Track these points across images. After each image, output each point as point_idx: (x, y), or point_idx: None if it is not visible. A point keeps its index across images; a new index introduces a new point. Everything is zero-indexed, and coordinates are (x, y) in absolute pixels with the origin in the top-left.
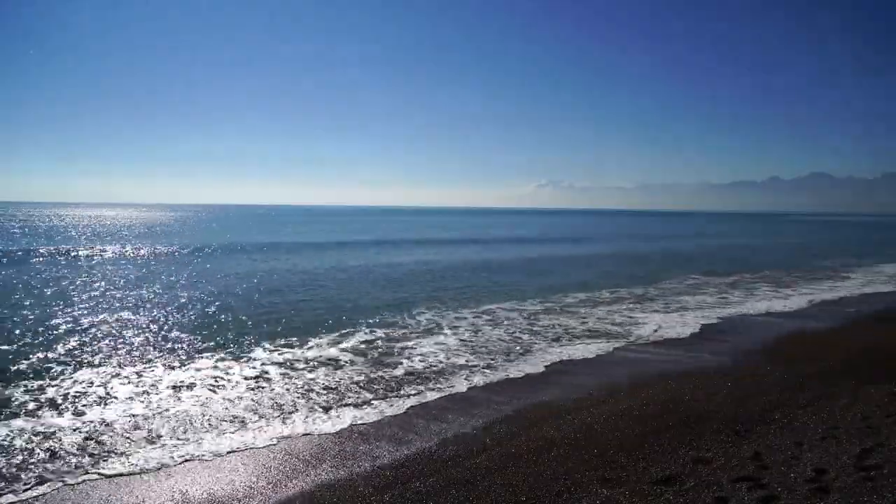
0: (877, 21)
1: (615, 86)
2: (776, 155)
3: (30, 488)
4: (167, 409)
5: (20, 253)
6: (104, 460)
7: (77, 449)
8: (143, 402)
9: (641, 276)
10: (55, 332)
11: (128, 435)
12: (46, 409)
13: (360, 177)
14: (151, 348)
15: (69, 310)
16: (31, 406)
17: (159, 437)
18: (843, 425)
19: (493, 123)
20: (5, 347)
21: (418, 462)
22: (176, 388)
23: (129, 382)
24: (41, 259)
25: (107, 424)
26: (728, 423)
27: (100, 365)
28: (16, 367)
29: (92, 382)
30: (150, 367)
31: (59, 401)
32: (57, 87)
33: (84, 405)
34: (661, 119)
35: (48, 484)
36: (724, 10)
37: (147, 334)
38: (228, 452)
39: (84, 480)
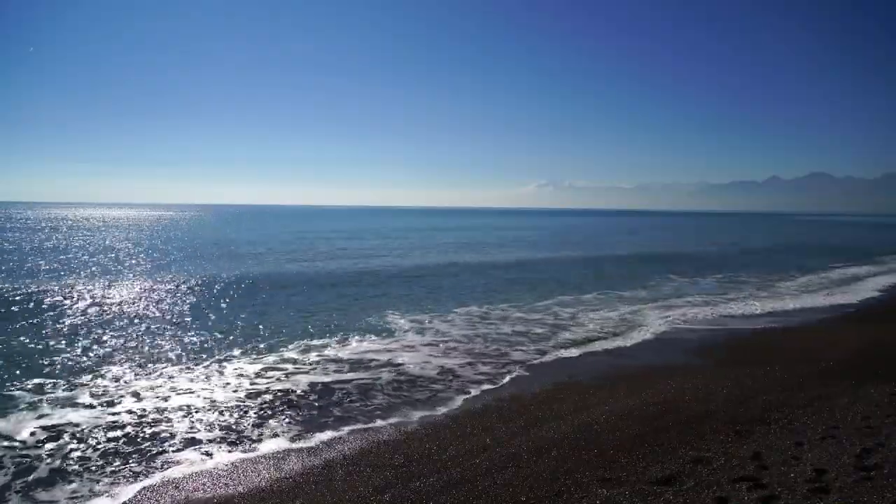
0: (877, 21)
1: (615, 86)
2: (776, 155)
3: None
4: (168, 413)
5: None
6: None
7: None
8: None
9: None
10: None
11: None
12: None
13: (362, 177)
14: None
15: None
16: None
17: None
18: (843, 425)
19: (494, 123)
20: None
21: (418, 462)
22: (155, 400)
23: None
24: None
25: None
26: (728, 423)
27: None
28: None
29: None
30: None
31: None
32: (55, 87)
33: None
34: (661, 119)
35: None
36: (724, 9)
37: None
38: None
39: None
